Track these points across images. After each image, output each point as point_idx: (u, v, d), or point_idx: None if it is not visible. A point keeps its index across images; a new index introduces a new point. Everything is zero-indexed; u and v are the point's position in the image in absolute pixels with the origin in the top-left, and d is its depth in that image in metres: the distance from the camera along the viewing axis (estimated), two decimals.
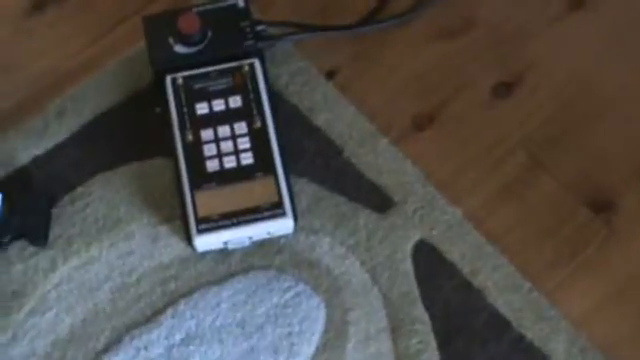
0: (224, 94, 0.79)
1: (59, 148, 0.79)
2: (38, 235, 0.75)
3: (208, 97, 0.79)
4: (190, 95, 0.79)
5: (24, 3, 0.86)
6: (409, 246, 0.78)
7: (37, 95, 0.81)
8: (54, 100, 0.81)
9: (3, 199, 0.74)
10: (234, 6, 0.82)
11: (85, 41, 0.84)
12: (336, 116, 0.83)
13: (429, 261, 0.78)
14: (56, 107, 0.81)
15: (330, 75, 0.85)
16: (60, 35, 0.85)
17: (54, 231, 0.77)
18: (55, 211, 0.77)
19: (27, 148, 0.79)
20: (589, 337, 0.74)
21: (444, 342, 0.74)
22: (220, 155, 0.77)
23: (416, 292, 0.76)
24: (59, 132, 0.80)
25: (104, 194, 0.79)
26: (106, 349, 0.73)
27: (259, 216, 0.75)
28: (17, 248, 0.76)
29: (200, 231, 0.74)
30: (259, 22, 0.83)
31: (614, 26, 0.88)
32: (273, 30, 0.84)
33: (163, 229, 0.78)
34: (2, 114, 0.80)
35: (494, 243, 0.78)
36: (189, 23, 0.80)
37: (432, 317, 0.75)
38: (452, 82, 0.86)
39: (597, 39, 0.87)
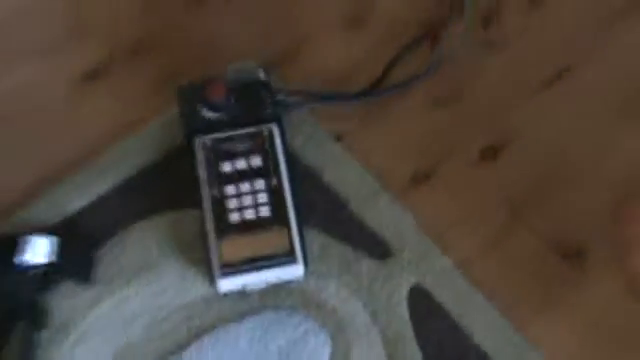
0: (246, 154, 0.91)
1: (103, 199, 0.92)
2: (84, 275, 0.87)
3: (232, 157, 0.91)
4: (216, 155, 0.91)
5: (77, 74, 0.99)
6: (405, 291, 0.89)
7: (86, 153, 0.93)
8: (100, 157, 0.94)
9: (53, 243, 0.86)
10: (256, 77, 0.94)
11: (128, 106, 0.97)
12: (343, 174, 0.95)
13: (423, 304, 0.89)
14: (101, 163, 0.94)
15: (338, 137, 0.98)
16: (107, 101, 0.98)
17: (97, 272, 0.88)
18: (98, 254, 0.89)
19: (76, 199, 0.91)
20: None
21: None
22: (241, 208, 0.88)
23: (411, 332, 0.87)
24: (103, 185, 0.92)
25: (140, 240, 0.91)
26: None
27: (274, 263, 0.87)
28: (66, 286, 0.87)
29: (223, 275, 0.86)
30: (278, 91, 0.95)
31: (586, 100, 1.00)
32: (290, 98, 0.97)
33: (190, 272, 0.89)
34: (55, 169, 0.92)
35: (481, 289, 0.89)
36: (217, 92, 0.92)
37: (425, 355, 0.86)
38: (445, 144, 0.98)
39: (571, 112, 0.99)
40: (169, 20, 1.05)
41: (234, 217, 0.88)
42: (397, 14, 1.06)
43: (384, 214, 0.93)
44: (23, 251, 0.84)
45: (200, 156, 0.91)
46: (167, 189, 0.93)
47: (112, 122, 0.96)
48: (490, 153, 0.97)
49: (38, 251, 0.85)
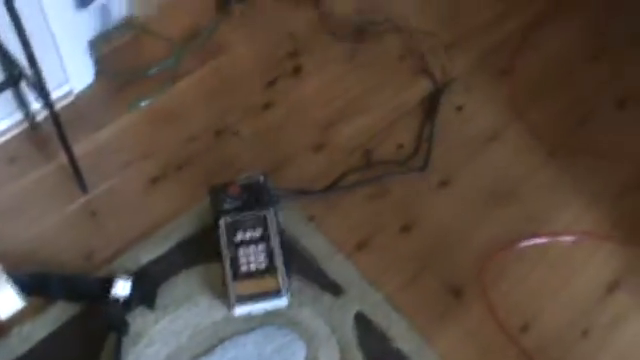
0: (252, 228, 1.44)
1: (163, 256, 1.45)
2: (150, 303, 1.39)
3: (243, 230, 1.44)
4: (233, 228, 1.44)
5: (147, 179, 1.55)
6: (352, 315, 1.41)
7: (154, 226, 1.47)
8: (162, 229, 1.47)
9: (132, 283, 1.39)
10: (259, 181, 1.49)
11: (178, 199, 1.52)
12: (313, 241, 1.49)
13: (363, 324, 1.40)
14: (163, 234, 1.47)
15: (310, 218, 1.52)
16: (166, 195, 1.53)
17: (158, 300, 1.41)
18: (159, 290, 1.42)
19: (146, 256, 1.45)
20: None
21: None
22: (248, 262, 1.41)
23: (355, 341, 1.38)
24: (164, 247, 1.46)
25: (185, 281, 1.43)
26: None
27: (269, 297, 1.39)
28: (140, 309, 1.39)
29: (237, 304, 1.38)
30: (272, 189, 1.50)
31: (463, 197, 1.55)
32: (280, 193, 1.51)
33: (216, 302, 1.41)
34: (135, 236, 1.46)
35: (401, 313, 1.41)
36: (234, 190, 1.47)
37: (365, 357, 1.36)
38: (378, 224, 1.52)
39: (454, 204, 1.55)
40: (202, 146, 1.60)
41: (243, 268, 1.41)
42: (346, 144, 1.62)
43: (339, 267, 1.46)
44: (115, 288, 1.37)
45: (222, 230, 1.44)
46: (203, 250, 1.45)
47: (170, 208, 1.51)
48: (406, 229, 1.51)
49: (124, 288, 1.37)
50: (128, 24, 1.71)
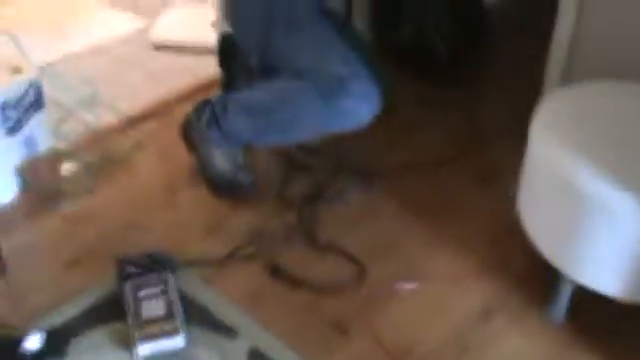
0: (154, 286, 1.65)
1: (74, 317, 1.63)
2: (59, 357, 1.55)
3: (145, 287, 1.64)
4: (136, 288, 1.64)
5: (61, 264, 1.77)
6: (246, 351, 1.58)
7: (64, 299, 1.67)
8: (74, 297, 1.67)
9: (42, 337, 1.55)
10: (161, 252, 1.72)
11: (92, 275, 1.73)
12: (206, 298, 1.68)
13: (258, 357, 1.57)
14: (74, 300, 1.66)
15: (209, 280, 1.73)
16: (78, 276, 1.74)
17: (67, 357, 1.56)
18: (69, 345, 1.58)
19: (58, 317, 1.62)
20: None
21: None
22: (149, 311, 1.60)
23: None
24: (74, 309, 1.65)
25: (93, 337, 1.59)
26: None
27: (169, 337, 1.56)
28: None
29: (140, 344, 1.54)
30: (175, 257, 1.73)
31: None
32: (179, 262, 1.74)
33: (122, 354, 1.57)
34: (45, 306, 1.64)
35: (284, 345, 1.58)
36: (139, 258, 1.69)
37: None
38: (268, 281, 1.74)
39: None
40: (115, 238, 1.85)
41: (145, 315, 1.59)
42: (240, 228, 1.87)
43: (233, 315, 1.65)
44: (25, 342, 1.54)
45: (127, 290, 1.64)
46: (111, 311, 1.64)
47: (82, 282, 1.72)
48: (296, 286, 1.72)
49: (34, 342, 1.54)
50: (50, 151, 2.03)
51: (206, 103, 1.99)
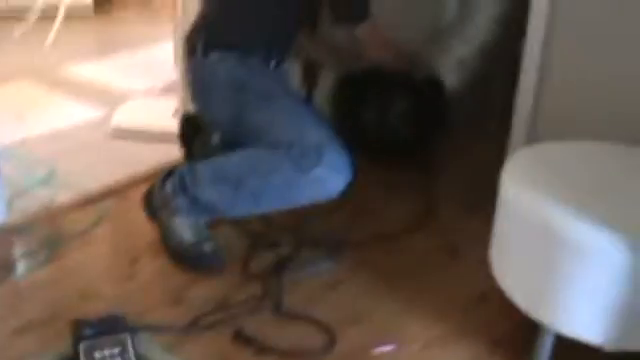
0: (110, 347, 1.53)
1: None
2: None
3: (100, 349, 1.52)
4: (91, 349, 1.52)
5: (9, 331, 1.64)
6: None
7: None
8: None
9: None
10: (118, 315, 1.62)
11: (45, 341, 1.61)
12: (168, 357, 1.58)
13: None
14: None
15: (167, 347, 1.62)
16: (31, 340, 1.61)
17: None
18: None
19: None
20: None
21: None
22: None
23: None
24: None
25: None
26: None
27: None
28: None
29: None
30: (133, 322, 1.62)
31: None
32: (139, 326, 1.63)
33: None
34: None
35: None
36: (95, 321, 1.58)
37: None
38: (232, 347, 1.64)
39: None
40: (69, 305, 1.74)
41: None
42: (203, 297, 1.78)
43: None
44: None
45: (82, 351, 1.52)
46: None
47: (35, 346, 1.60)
48: (261, 352, 1.63)
49: None
50: (3, 225, 1.96)
51: (172, 172, 1.95)
